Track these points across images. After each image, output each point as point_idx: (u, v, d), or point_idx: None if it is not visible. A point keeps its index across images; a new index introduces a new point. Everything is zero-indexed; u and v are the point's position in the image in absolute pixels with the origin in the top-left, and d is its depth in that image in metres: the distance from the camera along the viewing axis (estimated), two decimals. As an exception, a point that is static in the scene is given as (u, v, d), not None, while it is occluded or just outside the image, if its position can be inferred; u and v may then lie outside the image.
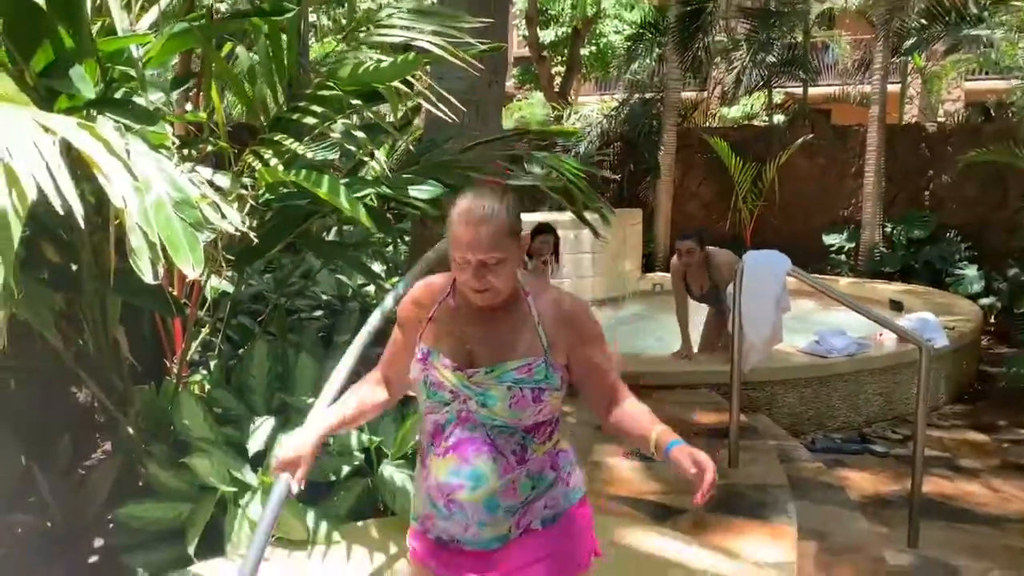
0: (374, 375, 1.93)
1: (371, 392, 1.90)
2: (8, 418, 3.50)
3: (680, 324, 5.94)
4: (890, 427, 5.81)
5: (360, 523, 3.10)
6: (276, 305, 4.83)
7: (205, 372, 3.94)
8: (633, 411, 1.74)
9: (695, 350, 5.98)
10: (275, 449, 3.05)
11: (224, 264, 3.11)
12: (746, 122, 15.45)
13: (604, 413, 1.75)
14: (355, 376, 2.45)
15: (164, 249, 2.15)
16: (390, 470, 3.24)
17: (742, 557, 2.95)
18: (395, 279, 5.02)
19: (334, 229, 5.14)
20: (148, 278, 2.07)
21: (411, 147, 3.76)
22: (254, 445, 3.24)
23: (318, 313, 5.13)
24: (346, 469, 3.30)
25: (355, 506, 3.22)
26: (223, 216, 2.47)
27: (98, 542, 3.18)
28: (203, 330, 4.00)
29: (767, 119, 14.08)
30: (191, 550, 2.89)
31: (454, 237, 1.64)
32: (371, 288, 5.58)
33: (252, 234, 2.64)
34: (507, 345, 1.69)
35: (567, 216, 8.32)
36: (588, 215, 3.95)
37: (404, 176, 3.28)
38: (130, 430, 3.50)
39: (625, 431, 1.73)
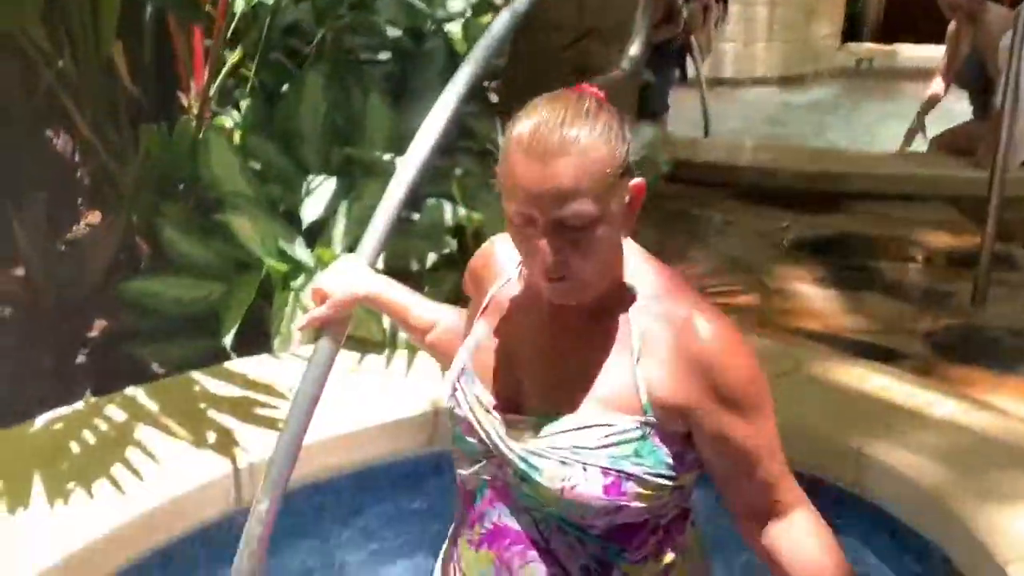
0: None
1: (455, 321, 1.69)
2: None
3: (930, 99, 5.86)
4: None
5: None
6: (323, 37, 4.79)
7: (236, 115, 3.98)
8: (803, 540, 1.38)
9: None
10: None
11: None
12: None
13: (749, 529, 1.41)
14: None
15: None
16: (496, 260, 3.28)
17: (996, 410, 2.94)
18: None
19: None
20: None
21: None
22: (309, 212, 3.30)
23: (384, 56, 5.09)
24: (433, 256, 3.36)
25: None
26: None
27: (99, 325, 3.35)
28: (231, 56, 4.01)
29: None
30: (227, 341, 3.02)
31: (508, 177, 1.32)
32: (456, 26, 5.48)
33: None
34: (579, 383, 1.38)
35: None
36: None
37: None
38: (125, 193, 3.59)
39: (784, 572, 1.39)
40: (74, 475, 2.41)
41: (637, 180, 1.33)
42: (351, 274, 1.73)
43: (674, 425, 1.35)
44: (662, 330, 1.35)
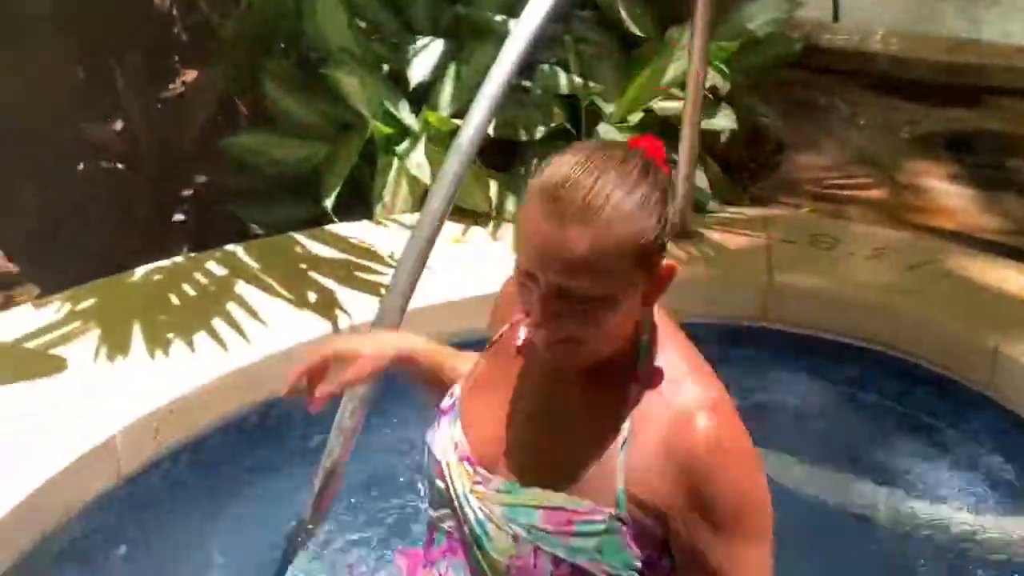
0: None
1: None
2: (63, 24, 3.64)
3: None
4: None
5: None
6: None
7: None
8: None
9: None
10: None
11: None
12: None
13: None
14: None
15: None
16: (612, 135, 3.23)
17: None
18: None
19: None
20: None
21: None
22: (416, 74, 3.27)
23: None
24: (542, 129, 3.32)
25: (553, 179, 3.27)
26: None
27: (198, 182, 3.41)
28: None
29: None
30: (328, 204, 3.04)
31: (521, 225, 1.23)
32: None
33: None
34: (556, 456, 1.31)
35: None
36: None
37: None
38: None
39: None
40: (174, 327, 2.47)
41: (668, 262, 1.23)
42: (378, 335, 1.66)
43: (649, 526, 1.25)
44: (659, 418, 1.24)
